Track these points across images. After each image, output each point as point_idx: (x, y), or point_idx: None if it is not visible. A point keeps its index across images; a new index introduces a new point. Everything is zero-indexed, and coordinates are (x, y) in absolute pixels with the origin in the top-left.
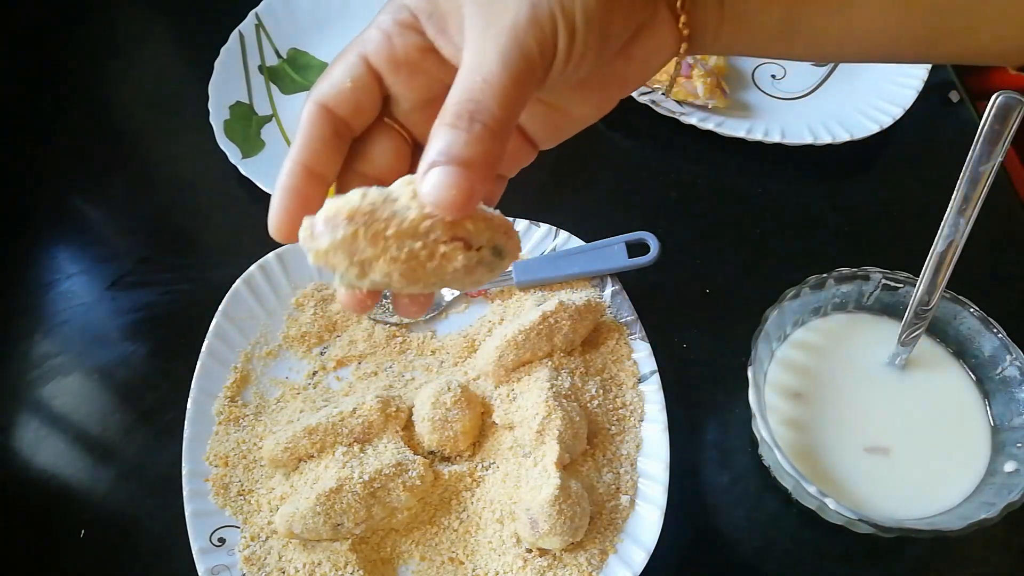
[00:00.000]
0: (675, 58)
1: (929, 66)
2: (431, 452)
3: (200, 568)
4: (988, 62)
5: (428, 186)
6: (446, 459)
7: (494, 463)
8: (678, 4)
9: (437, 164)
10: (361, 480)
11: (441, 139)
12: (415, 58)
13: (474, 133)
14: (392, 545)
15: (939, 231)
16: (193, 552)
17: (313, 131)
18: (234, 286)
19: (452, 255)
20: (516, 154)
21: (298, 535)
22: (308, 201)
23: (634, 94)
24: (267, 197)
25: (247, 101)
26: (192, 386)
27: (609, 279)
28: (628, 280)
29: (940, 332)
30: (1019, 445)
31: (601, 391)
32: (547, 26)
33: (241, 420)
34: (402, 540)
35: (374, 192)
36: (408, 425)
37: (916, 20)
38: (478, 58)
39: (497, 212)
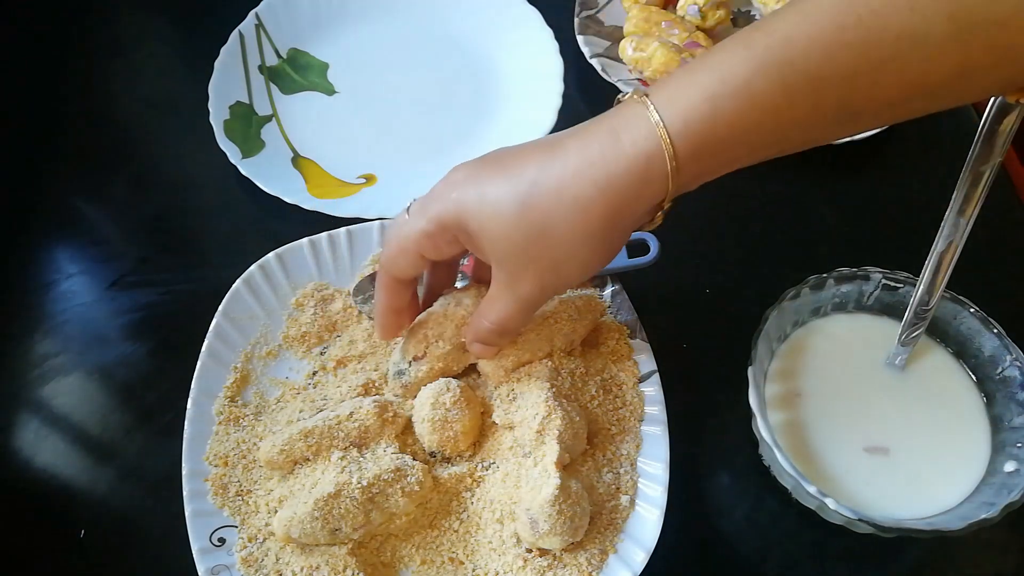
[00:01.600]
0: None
1: None
2: (431, 453)
3: (200, 568)
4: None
5: (472, 350)
6: (446, 459)
7: (494, 463)
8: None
9: (474, 345)
10: (360, 485)
11: (477, 335)
12: (449, 252)
13: (497, 343)
14: (392, 549)
15: (939, 231)
16: (193, 552)
17: (387, 295)
18: (234, 286)
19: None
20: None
21: (296, 539)
22: (398, 318)
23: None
24: (267, 197)
25: (247, 101)
26: (192, 386)
27: (609, 279)
28: (628, 280)
29: (940, 332)
30: (1019, 445)
31: (601, 391)
32: (545, 298)
33: (241, 420)
34: (402, 544)
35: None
36: (407, 429)
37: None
38: (503, 307)
39: None
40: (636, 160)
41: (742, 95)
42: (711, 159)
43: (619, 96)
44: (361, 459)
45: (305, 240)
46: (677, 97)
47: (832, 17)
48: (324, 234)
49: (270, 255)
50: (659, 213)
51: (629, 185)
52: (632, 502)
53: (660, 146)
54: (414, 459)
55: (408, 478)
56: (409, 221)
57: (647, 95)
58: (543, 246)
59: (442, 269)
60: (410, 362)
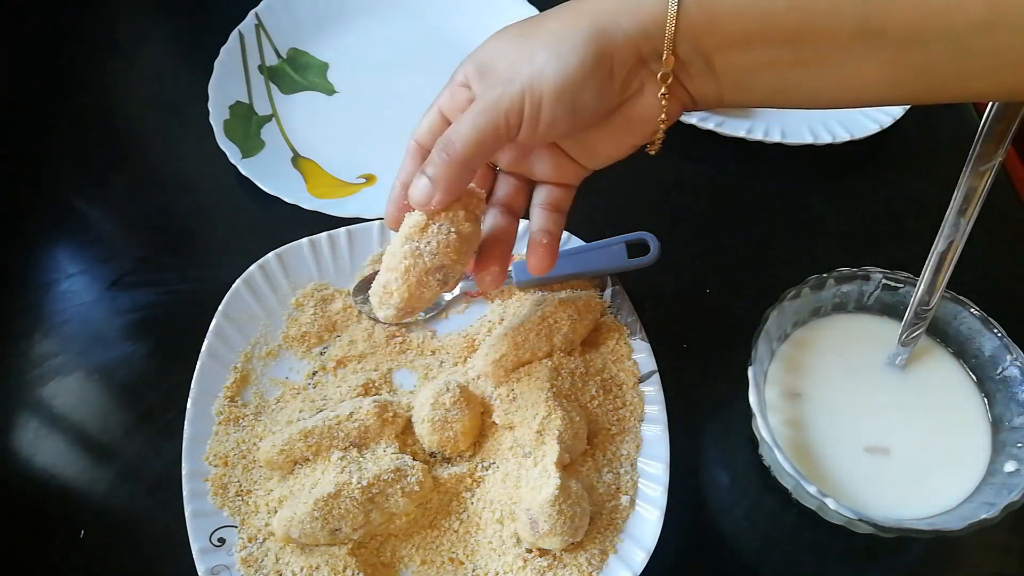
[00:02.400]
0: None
1: None
2: (431, 453)
3: (200, 568)
4: (997, 99)
5: (411, 188)
6: (446, 460)
7: (494, 463)
8: (663, 89)
9: (419, 175)
10: (360, 485)
11: (427, 160)
12: (465, 106)
13: (440, 161)
14: (392, 549)
15: (939, 231)
16: (193, 552)
17: (411, 161)
18: (234, 286)
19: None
20: (565, 171)
21: (296, 539)
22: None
23: None
24: (267, 197)
25: (247, 101)
26: (192, 386)
27: (609, 279)
28: (628, 280)
29: (940, 332)
30: (1019, 445)
31: (601, 391)
32: (515, 104)
33: (241, 420)
34: (402, 544)
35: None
36: (407, 429)
37: (907, 76)
38: (466, 116)
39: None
40: (640, 7)
41: None
42: (720, 39)
43: None
44: (361, 459)
45: (305, 240)
46: None
47: None
48: (324, 234)
49: (270, 255)
50: (660, 129)
51: (619, 14)
52: (632, 502)
53: None
54: (414, 459)
55: (408, 478)
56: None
57: None
58: (522, 48)
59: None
60: None
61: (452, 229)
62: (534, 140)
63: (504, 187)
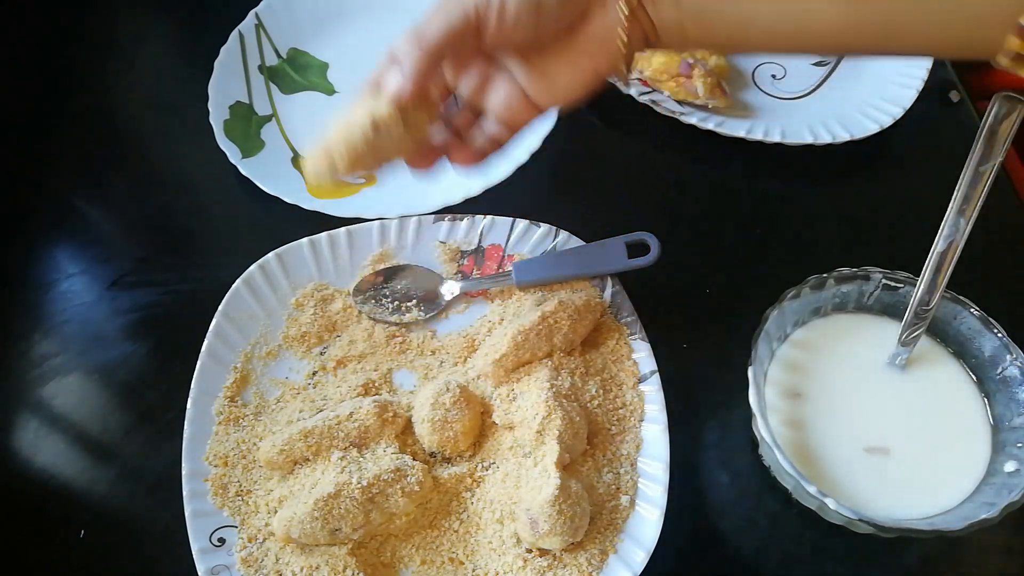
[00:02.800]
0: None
1: (929, 65)
2: (431, 453)
3: (200, 568)
4: (953, 56)
5: (384, 78)
6: (447, 460)
7: (494, 463)
8: (623, 5)
9: (391, 65)
10: (360, 485)
11: (399, 50)
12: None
13: (411, 50)
14: (392, 549)
15: (939, 231)
16: (193, 552)
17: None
18: (234, 286)
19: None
20: (519, 107)
21: (296, 539)
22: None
23: (634, 93)
24: (267, 197)
25: (247, 101)
26: (192, 386)
27: (609, 279)
28: (628, 280)
29: (940, 332)
30: (1019, 445)
31: (601, 391)
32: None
33: (241, 420)
34: (402, 544)
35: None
36: (407, 429)
37: (863, 14)
38: (437, 10)
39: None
40: None
41: None
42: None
43: None
44: (361, 459)
45: (305, 240)
46: None
47: None
48: (324, 234)
49: (270, 255)
50: (621, 53)
51: None
52: (632, 502)
53: None
54: (414, 459)
55: (408, 478)
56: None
57: None
58: None
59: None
60: None
61: (408, 127)
62: (500, 40)
63: (456, 112)
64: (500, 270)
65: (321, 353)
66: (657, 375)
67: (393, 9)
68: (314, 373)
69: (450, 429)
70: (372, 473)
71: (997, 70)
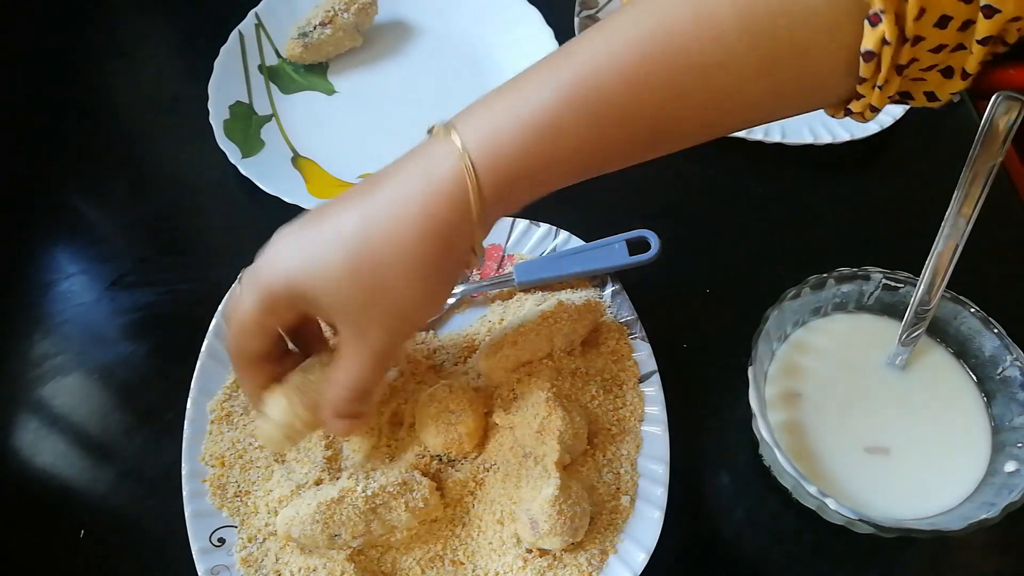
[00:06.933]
0: None
1: None
2: (436, 456)
3: (200, 568)
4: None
5: (334, 429)
6: (451, 461)
7: (494, 464)
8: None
9: (334, 422)
10: (364, 494)
11: (335, 408)
12: (293, 318)
13: (355, 409)
14: (392, 560)
15: (939, 231)
16: (193, 552)
17: (248, 377)
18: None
19: None
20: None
21: (296, 539)
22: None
23: None
24: (267, 197)
25: (247, 101)
26: (192, 386)
27: (609, 279)
28: (628, 280)
29: (940, 332)
30: (1019, 445)
31: (601, 391)
32: (395, 345)
33: (231, 417)
34: (402, 557)
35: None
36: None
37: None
38: (357, 364)
39: None
40: (452, 198)
41: (550, 132)
42: (522, 190)
43: (430, 127)
44: (371, 469)
45: None
46: (485, 135)
47: (639, 49)
48: None
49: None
50: (474, 256)
51: (449, 223)
52: (632, 502)
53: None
54: (424, 473)
55: (413, 493)
56: (242, 299)
57: (455, 127)
58: (384, 297)
59: (307, 332)
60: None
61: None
62: None
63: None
64: (500, 270)
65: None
66: (657, 375)
67: (393, 9)
68: None
69: (454, 431)
70: (378, 483)
71: (997, 70)
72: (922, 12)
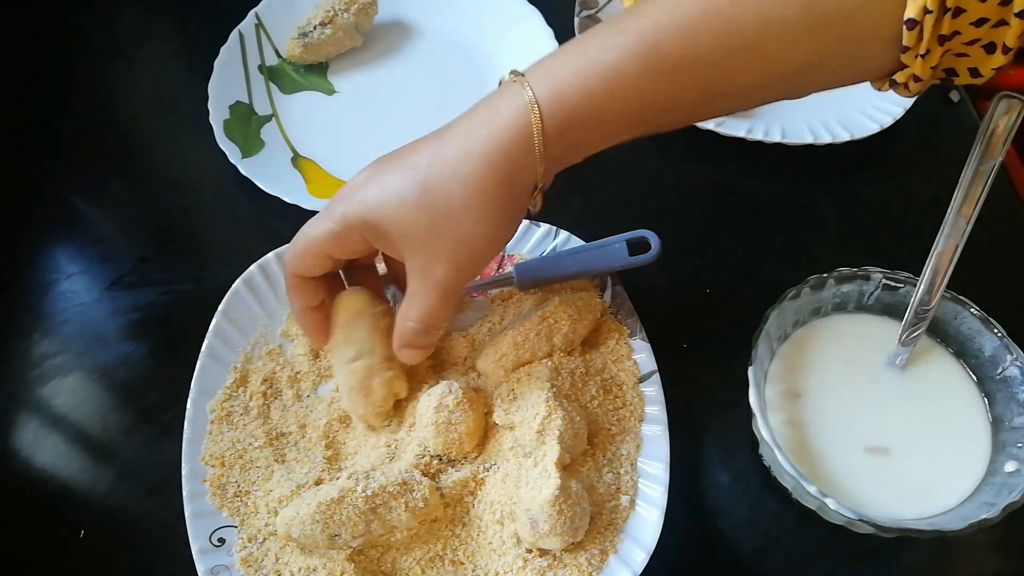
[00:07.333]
0: None
1: None
2: (436, 456)
3: (200, 568)
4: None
5: (404, 358)
6: (451, 461)
7: (494, 464)
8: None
9: (402, 351)
10: (364, 494)
11: (403, 340)
12: (358, 251)
13: (424, 342)
14: (392, 560)
15: (939, 231)
16: (193, 552)
17: (298, 295)
18: (234, 286)
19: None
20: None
21: (296, 539)
22: (318, 315)
23: None
24: (267, 197)
25: (247, 101)
26: (192, 386)
27: (609, 279)
28: (628, 280)
29: (940, 332)
30: (1019, 445)
31: (601, 391)
32: (461, 280)
33: (231, 417)
34: (402, 557)
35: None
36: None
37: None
38: (425, 299)
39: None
40: (516, 131)
41: (611, 77)
42: (582, 134)
43: (502, 77)
44: (370, 469)
45: None
46: (551, 77)
47: (697, 4)
48: None
49: (270, 255)
50: (537, 193)
51: (514, 154)
52: (632, 502)
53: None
54: (424, 473)
55: (413, 493)
56: (314, 222)
57: (524, 74)
58: (449, 225)
59: (362, 272)
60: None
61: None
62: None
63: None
64: (500, 270)
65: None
66: (657, 375)
67: (393, 9)
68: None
69: (454, 431)
70: (378, 483)
71: (998, 70)
72: None
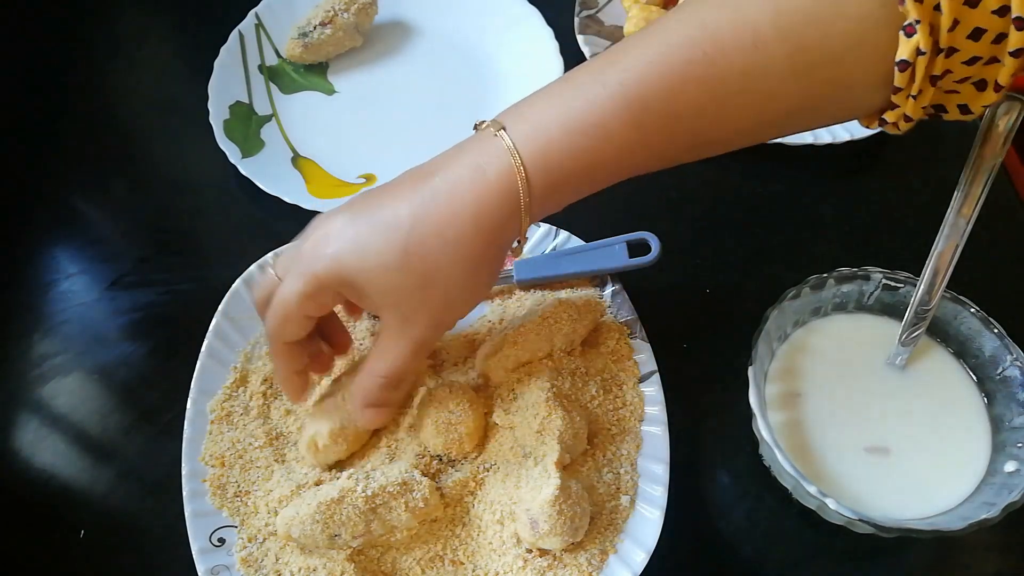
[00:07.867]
0: None
1: None
2: (436, 456)
3: (200, 568)
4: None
5: (362, 420)
6: (451, 462)
7: (494, 464)
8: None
9: (365, 411)
10: (364, 494)
11: (368, 397)
12: (333, 305)
13: (390, 399)
14: (392, 560)
15: (939, 231)
16: (193, 552)
17: (283, 362)
18: (234, 286)
19: None
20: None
21: (296, 539)
22: (302, 378)
23: None
24: (267, 197)
25: (247, 101)
26: (192, 386)
27: (609, 279)
28: (628, 280)
29: (940, 332)
30: (1019, 445)
31: (601, 391)
32: (437, 334)
33: (232, 417)
34: (402, 557)
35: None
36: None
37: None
38: (398, 354)
39: None
40: (503, 193)
41: (597, 134)
42: (566, 190)
43: (477, 123)
44: (370, 469)
45: None
46: (536, 134)
47: (681, 54)
48: None
49: (270, 255)
50: (518, 247)
51: (500, 216)
52: (632, 502)
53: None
54: (424, 473)
55: (414, 493)
56: (286, 285)
57: (504, 127)
58: (433, 288)
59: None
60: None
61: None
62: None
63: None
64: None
65: None
66: (657, 375)
67: (393, 9)
68: None
69: (455, 431)
70: (378, 483)
71: None
72: (956, 24)
